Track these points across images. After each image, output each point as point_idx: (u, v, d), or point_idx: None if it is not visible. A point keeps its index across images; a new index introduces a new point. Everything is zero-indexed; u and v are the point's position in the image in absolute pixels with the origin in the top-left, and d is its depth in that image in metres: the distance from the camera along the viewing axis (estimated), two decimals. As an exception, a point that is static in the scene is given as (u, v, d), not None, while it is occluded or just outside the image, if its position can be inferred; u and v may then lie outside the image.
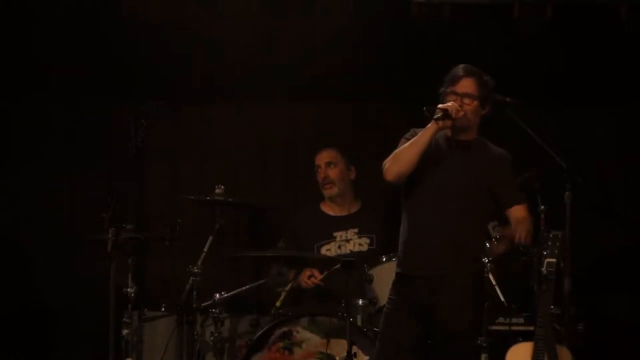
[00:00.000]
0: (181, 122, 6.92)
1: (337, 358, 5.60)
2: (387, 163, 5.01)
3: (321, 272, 6.14)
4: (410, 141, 4.99)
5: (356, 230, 6.38)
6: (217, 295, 6.00)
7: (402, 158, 4.98)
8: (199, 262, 6.05)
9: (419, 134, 4.97)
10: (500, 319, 5.72)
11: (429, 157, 5.00)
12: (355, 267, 5.49)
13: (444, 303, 4.92)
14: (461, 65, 5.06)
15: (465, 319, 4.92)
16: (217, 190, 6.18)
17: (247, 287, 6.25)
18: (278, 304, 5.83)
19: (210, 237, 6.17)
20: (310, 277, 6.16)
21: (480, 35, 6.50)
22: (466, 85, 5.00)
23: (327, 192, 6.44)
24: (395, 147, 5.06)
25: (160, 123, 5.82)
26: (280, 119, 6.97)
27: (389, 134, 5.33)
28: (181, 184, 6.88)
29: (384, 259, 5.85)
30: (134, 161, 5.46)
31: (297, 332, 5.69)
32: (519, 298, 5.82)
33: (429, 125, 4.95)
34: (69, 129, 6.82)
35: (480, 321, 5.22)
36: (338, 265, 5.57)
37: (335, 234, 6.38)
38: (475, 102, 5.00)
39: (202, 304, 6.00)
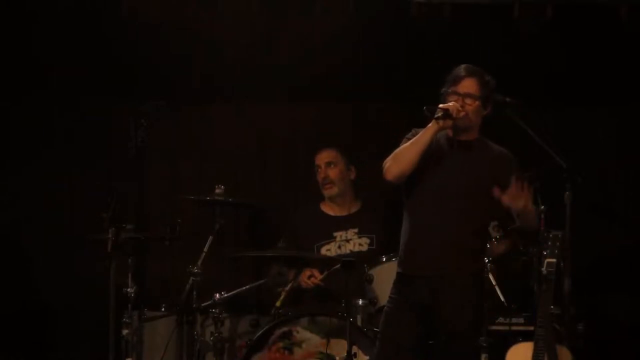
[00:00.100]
0: (181, 122, 6.92)
1: (337, 358, 5.59)
2: (388, 163, 5.01)
3: (321, 272, 6.14)
4: (411, 141, 4.99)
5: (356, 230, 6.38)
6: (217, 295, 6.00)
7: (402, 158, 4.97)
8: (199, 262, 6.05)
9: (420, 133, 4.97)
10: (500, 319, 5.73)
11: (429, 157, 5.00)
12: (355, 267, 5.49)
13: (444, 303, 4.92)
14: (463, 66, 5.06)
15: (465, 319, 4.92)
16: (217, 190, 6.18)
17: (247, 287, 6.25)
18: (278, 304, 5.83)
19: (210, 237, 6.17)
20: (310, 277, 6.17)
21: (480, 35, 6.50)
22: (468, 85, 5.00)
23: (327, 192, 6.44)
24: (395, 147, 5.06)
25: (160, 123, 5.82)
26: (280, 119, 6.97)
27: (389, 134, 5.33)
28: (181, 184, 6.88)
29: (384, 259, 5.85)
30: (134, 161, 5.46)
31: (297, 332, 5.69)
32: (519, 298, 5.82)
33: (430, 124, 4.95)
34: (69, 129, 6.82)
35: (480, 321, 5.23)
36: (338, 265, 5.56)
37: (335, 234, 6.38)
38: (477, 103, 4.99)
39: (202, 304, 6.00)
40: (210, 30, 6.64)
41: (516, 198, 4.88)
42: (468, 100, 4.99)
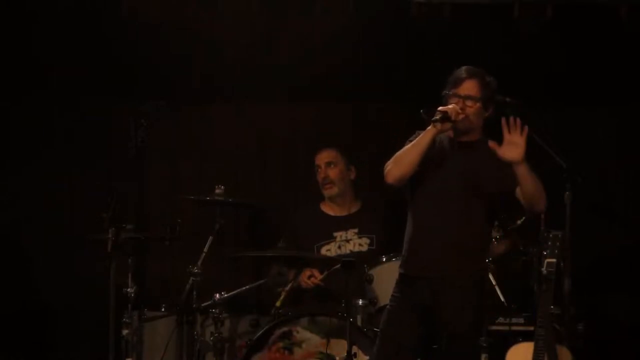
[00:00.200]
0: (181, 122, 6.92)
1: (337, 358, 5.60)
2: (388, 166, 5.00)
3: (321, 272, 6.14)
4: (410, 144, 4.97)
5: (356, 230, 6.38)
6: (217, 295, 6.00)
7: (402, 161, 4.96)
8: (199, 262, 6.05)
9: (419, 136, 4.95)
10: (500, 319, 5.73)
11: (432, 159, 4.99)
12: (355, 267, 5.49)
13: (445, 304, 4.92)
14: (464, 67, 5.04)
15: (465, 320, 4.92)
16: (217, 190, 6.18)
17: (247, 287, 6.25)
18: (278, 304, 5.83)
19: (210, 237, 6.17)
20: (310, 277, 6.17)
21: (480, 35, 6.50)
22: (468, 87, 4.98)
23: (327, 192, 6.44)
24: (395, 147, 5.05)
25: (160, 123, 5.82)
26: (280, 119, 6.97)
27: (389, 134, 5.35)
28: (181, 184, 6.89)
29: (384, 259, 5.85)
30: (134, 161, 5.46)
31: (297, 332, 5.69)
32: (519, 298, 5.82)
33: (429, 128, 4.93)
34: (69, 129, 6.82)
35: (481, 322, 5.23)
36: (338, 265, 5.57)
37: (335, 234, 6.38)
38: (478, 104, 4.97)
39: (202, 304, 6.00)
40: (210, 30, 6.64)
41: (511, 145, 4.79)
42: (469, 102, 4.97)
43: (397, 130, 5.17)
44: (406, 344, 5.00)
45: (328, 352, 5.62)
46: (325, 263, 6.09)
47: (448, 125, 4.91)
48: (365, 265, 5.87)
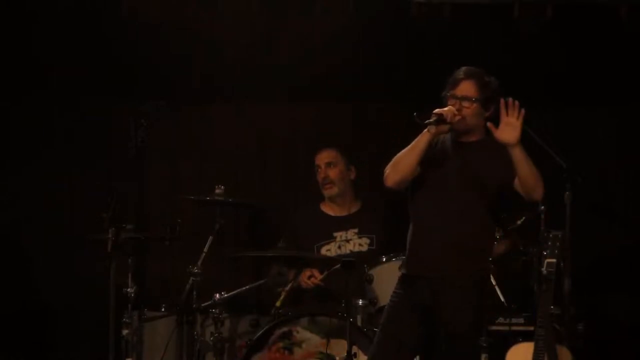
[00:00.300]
0: (181, 122, 6.92)
1: (337, 358, 5.60)
2: (387, 170, 5.00)
3: (321, 272, 6.14)
4: (407, 148, 4.97)
5: (356, 230, 6.38)
6: (217, 295, 6.00)
7: (400, 165, 4.96)
8: (199, 262, 6.05)
9: (415, 140, 4.95)
10: (500, 319, 5.73)
11: (433, 160, 4.99)
12: (355, 267, 5.49)
13: (445, 304, 4.91)
14: (463, 68, 5.03)
15: (465, 320, 4.91)
16: (217, 190, 6.18)
17: (247, 287, 6.25)
18: (278, 304, 5.83)
19: (210, 237, 6.17)
20: (310, 277, 6.17)
21: (480, 35, 6.50)
22: (465, 88, 4.98)
23: (327, 192, 6.44)
24: (395, 147, 5.04)
25: (160, 123, 5.82)
26: (280, 119, 6.97)
27: (389, 134, 5.35)
28: (181, 184, 6.88)
29: (384, 259, 5.85)
30: (134, 161, 5.46)
31: (297, 332, 5.69)
32: (519, 298, 5.82)
33: (424, 131, 4.93)
34: (69, 129, 6.82)
35: (482, 323, 5.23)
36: (338, 266, 5.57)
37: (335, 234, 6.38)
38: (475, 105, 4.96)
39: (202, 304, 6.00)
40: (210, 30, 6.64)
41: (507, 127, 4.78)
42: (465, 103, 4.96)
43: (397, 130, 5.17)
44: (406, 342, 5.00)
45: (328, 352, 5.62)
46: (325, 263, 6.09)
47: (445, 127, 4.90)
48: (365, 265, 5.87)
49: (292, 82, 6.75)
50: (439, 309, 4.93)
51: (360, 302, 5.84)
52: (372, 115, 6.95)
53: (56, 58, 6.66)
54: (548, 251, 5.06)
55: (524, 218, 5.82)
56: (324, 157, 6.45)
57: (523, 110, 4.79)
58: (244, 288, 6.23)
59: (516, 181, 4.89)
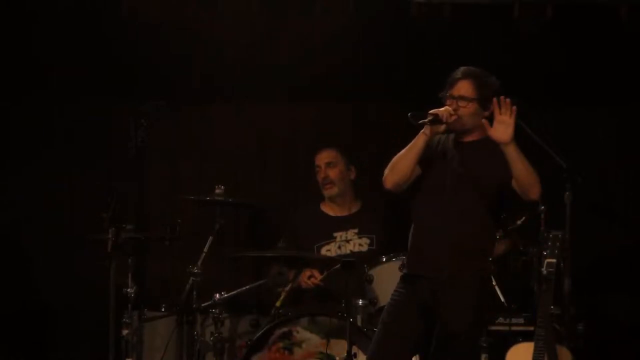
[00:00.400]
0: (181, 122, 6.92)
1: (337, 358, 5.60)
2: (386, 171, 5.01)
3: (321, 273, 6.14)
4: (405, 149, 4.97)
5: (356, 230, 6.38)
6: (217, 295, 6.00)
7: (397, 166, 4.97)
8: (199, 262, 6.05)
9: (412, 141, 4.95)
10: (500, 319, 5.73)
11: (433, 160, 4.99)
12: (355, 267, 5.49)
13: (445, 304, 4.91)
14: (462, 68, 5.02)
15: (465, 320, 4.90)
16: (217, 190, 6.18)
17: (247, 287, 6.25)
18: (278, 304, 5.83)
19: (210, 237, 6.17)
20: (310, 278, 6.17)
21: (480, 35, 6.50)
22: (462, 87, 4.98)
23: (327, 192, 6.44)
24: (395, 147, 5.05)
25: (160, 123, 5.81)
26: (280, 119, 6.97)
27: (389, 134, 5.35)
28: (181, 184, 6.88)
29: (384, 259, 5.85)
30: (134, 161, 5.45)
31: (297, 332, 5.69)
32: (519, 298, 5.82)
33: (421, 132, 4.94)
34: (69, 129, 6.82)
35: (483, 322, 5.22)
36: (338, 266, 5.56)
37: (335, 234, 6.38)
38: (472, 104, 4.96)
39: (202, 304, 6.00)
40: (210, 30, 6.64)
41: (501, 125, 4.78)
42: (461, 103, 4.96)
43: (397, 130, 5.15)
44: (406, 341, 5.00)
45: (328, 352, 5.62)
46: (325, 263, 6.09)
47: (440, 127, 4.91)
48: (365, 266, 5.87)
49: (292, 82, 6.75)
50: (439, 309, 4.93)
51: (360, 302, 5.84)
52: (372, 115, 6.95)
53: (56, 58, 6.66)
54: (548, 251, 5.06)
55: (524, 218, 5.82)
56: (324, 157, 6.45)
57: (515, 108, 4.79)
58: (244, 288, 6.23)
59: (513, 180, 4.89)
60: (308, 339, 5.68)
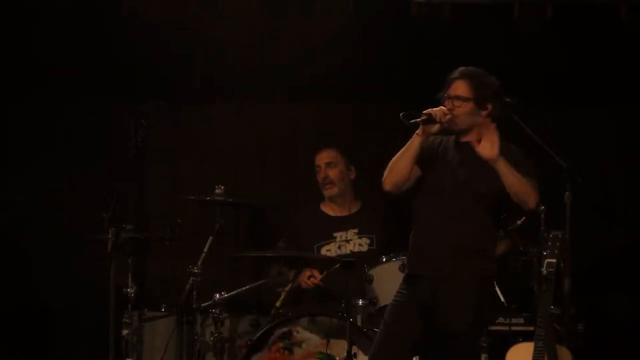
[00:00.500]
0: (181, 122, 6.92)
1: (337, 358, 5.60)
2: (385, 173, 5.01)
3: (321, 273, 6.14)
4: (401, 150, 4.98)
5: (356, 230, 6.38)
6: (217, 295, 6.00)
7: (395, 168, 4.98)
8: (199, 262, 6.05)
9: (408, 142, 4.96)
10: (500, 319, 5.73)
11: (434, 160, 5.00)
12: (355, 267, 5.49)
13: (445, 304, 4.91)
14: (460, 68, 5.03)
15: (465, 320, 4.90)
16: (217, 190, 6.18)
17: (247, 287, 6.25)
18: (278, 304, 5.83)
19: (210, 237, 6.17)
20: (310, 278, 6.17)
21: (480, 35, 6.50)
22: (458, 87, 4.98)
23: (327, 192, 6.44)
24: (395, 147, 5.05)
25: (160, 123, 5.81)
26: (280, 119, 6.97)
27: (389, 134, 5.34)
28: (181, 184, 6.89)
29: (384, 259, 5.84)
30: (134, 161, 5.46)
31: (297, 332, 5.69)
32: (519, 298, 5.82)
33: (416, 132, 4.94)
34: (69, 129, 6.82)
35: (483, 322, 5.22)
36: (338, 266, 5.57)
37: (335, 234, 6.38)
38: (468, 104, 4.96)
39: (202, 304, 6.00)
40: (210, 30, 6.64)
41: (487, 142, 4.81)
42: (457, 103, 4.96)
43: (397, 130, 5.14)
44: (407, 341, 5.00)
45: (328, 352, 5.62)
46: (325, 263, 6.09)
47: (434, 127, 4.92)
48: (365, 266, 5.87)
49: (292, 82, 6.75)
50: (439, 309, 4.93)
51: (360, 302, 5.83)
52: (372, 115, 6.95)
53: (56, 58, 6.66)
54: (548, 251, 5.06)
55: (524, 218, 5.81)
56: (324, 157, 6.45)
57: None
58: (244, 288, 6.23)
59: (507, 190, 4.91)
60: (308, 339, 5.68)
